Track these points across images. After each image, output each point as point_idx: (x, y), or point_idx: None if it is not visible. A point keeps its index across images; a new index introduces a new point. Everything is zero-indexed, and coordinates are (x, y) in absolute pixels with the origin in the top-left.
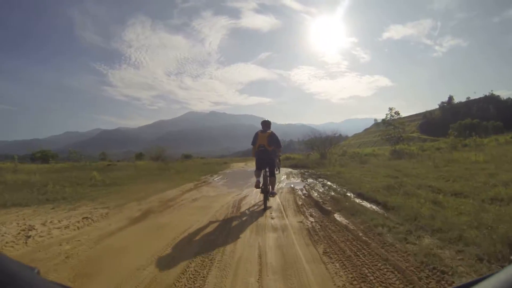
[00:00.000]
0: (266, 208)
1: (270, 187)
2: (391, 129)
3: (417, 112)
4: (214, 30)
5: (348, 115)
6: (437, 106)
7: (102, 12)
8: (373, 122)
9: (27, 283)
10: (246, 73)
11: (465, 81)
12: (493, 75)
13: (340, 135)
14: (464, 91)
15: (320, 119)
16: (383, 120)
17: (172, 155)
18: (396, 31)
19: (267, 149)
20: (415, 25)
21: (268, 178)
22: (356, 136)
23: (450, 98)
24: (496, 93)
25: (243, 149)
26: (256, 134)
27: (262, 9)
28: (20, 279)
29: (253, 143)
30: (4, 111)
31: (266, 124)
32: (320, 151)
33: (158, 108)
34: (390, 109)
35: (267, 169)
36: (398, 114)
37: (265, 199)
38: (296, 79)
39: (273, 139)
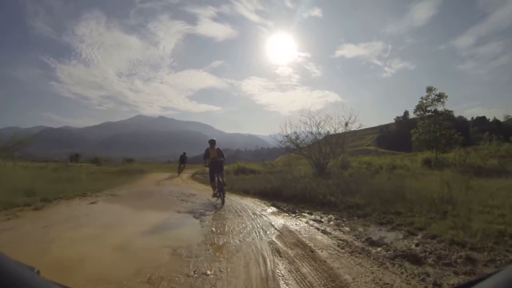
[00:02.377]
0: (223, 203)
1: (224, 183)
2: (440, 121)
3: (370, 126)
4: (169, 34)
5: (296, 127)
6: (393, 121)
7: (56, 3)
8: (321, 136)
9: (27, 283)
10: (197, 80)
11: (411, 101)
12: None
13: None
14: (410, 110)
15: (268, 130)
16: (418, 107)
17: (113, 159)
18: (348, 50)
19: (218, 160)
20: (367, 46)
21: (221, 180)
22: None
23: (406, 113)
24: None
25: (190, 156)
26: (207, 150)
27: (219, 17)
28: (20, 279)
29: (206, 157)
30: None
31: (213, 142)
32: (316, 161)
33: (106, 109)
34: (429, 89)
35: (218, 175)
36: (445, 98)
37: (223, 197)
38: (246, 90)
39: (220, 152)
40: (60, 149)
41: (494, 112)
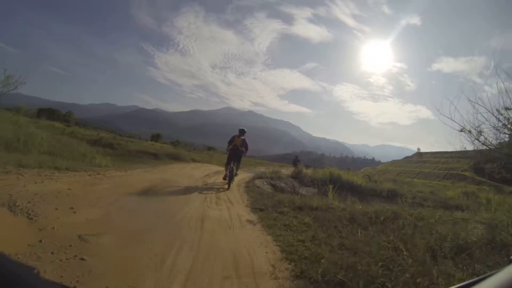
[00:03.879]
0: (229, 188)
1: (236, 172)
2: None
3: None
4: (265, 31)
5: (383, 140)
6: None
7: None
8: (407, 152)
9: (27, 283)
10: (290, 79)
11: None
12: None
13: None
14: None
15: (354, 139)
16: None
17: (197, 145)
18: (447, 64)
19: (239, 148)
20: (467, 60)
21: (234, 166)
22: (395, 162)
23: None
24: None
25: (272, 153)
26: (233, 137)
27: (315, 19)
28: (20, 279)
29: (230, 142)
30: (55, 74)
31: (242, 131)
32: None
33: (197, 97)
34: None
35: (234, 163)
36: None
37: (230, 182)
38: (338, 95)
39: (244, 143)
40: (150, 128)
41: None
